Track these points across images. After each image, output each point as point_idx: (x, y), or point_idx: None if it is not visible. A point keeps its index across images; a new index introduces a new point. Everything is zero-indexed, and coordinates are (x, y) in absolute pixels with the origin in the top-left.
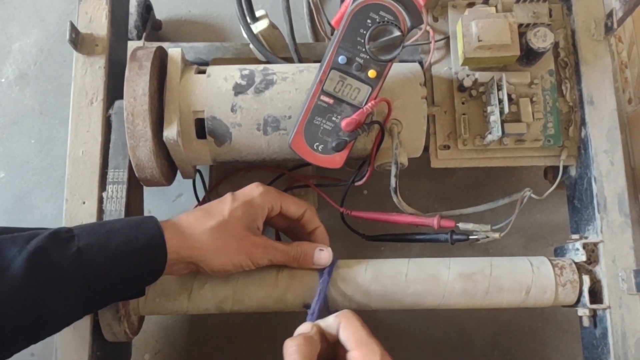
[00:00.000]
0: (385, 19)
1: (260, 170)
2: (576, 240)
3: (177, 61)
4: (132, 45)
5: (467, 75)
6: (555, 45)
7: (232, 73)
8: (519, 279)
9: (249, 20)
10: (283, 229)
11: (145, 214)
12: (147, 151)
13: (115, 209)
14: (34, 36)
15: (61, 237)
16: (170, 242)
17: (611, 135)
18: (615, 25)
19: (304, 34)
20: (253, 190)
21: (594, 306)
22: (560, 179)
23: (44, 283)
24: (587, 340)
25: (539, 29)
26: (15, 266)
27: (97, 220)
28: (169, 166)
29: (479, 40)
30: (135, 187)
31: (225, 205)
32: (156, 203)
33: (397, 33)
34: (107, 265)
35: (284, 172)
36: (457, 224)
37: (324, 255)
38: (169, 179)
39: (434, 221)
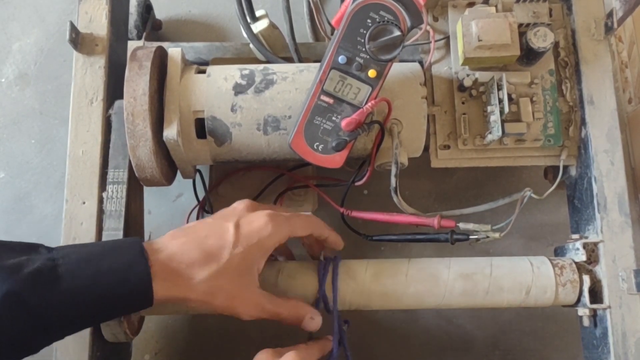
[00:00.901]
0: (386, 18)
1: (260, 170)
2: (576, 240)
3: (177, 61)
4: (132, 45)
5: (467, 75)
6: (556, 45)
7: (232, 73)
8: (519, 279)
9: (249, 20)
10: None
11: (146, 214)
12: (147, 151)
13: (115, 209)
14: (34, 36)
15: (43, 279)
16: (158, 291)
17: (611, 135)
18: (615, 25)
19: (304, 33)
20: (261, 231)
21: (594, 306)
22: (560, 178)
23: (22, 323)
24: (587, 340)
25: (539, 28)
26: None
27: (96, 220)
28: (169, 166)
29: (479, 40)
30: (135, 187)
31: (226, 246)
32: (156, 203)
33: (397, 33)
34: (92, 309)
35: (284, 172)
36: (458, 224)
37: (314, 323)
38: (169, 179)
39: (434, 221)
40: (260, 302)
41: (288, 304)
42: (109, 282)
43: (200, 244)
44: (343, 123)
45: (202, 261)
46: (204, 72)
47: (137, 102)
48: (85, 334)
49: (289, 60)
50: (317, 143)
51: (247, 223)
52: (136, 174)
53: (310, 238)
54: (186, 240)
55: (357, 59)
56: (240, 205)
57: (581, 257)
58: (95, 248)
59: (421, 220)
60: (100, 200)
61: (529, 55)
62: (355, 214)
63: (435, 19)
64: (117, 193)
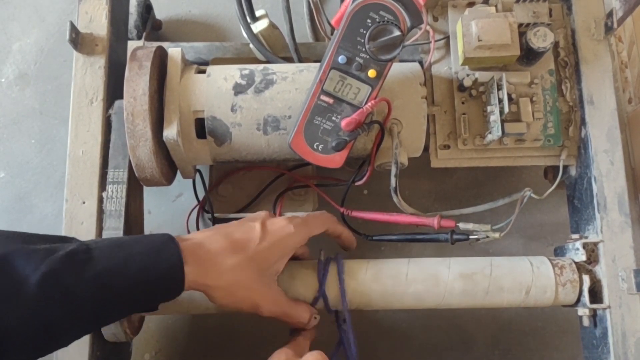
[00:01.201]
0: (385, 18)
1: (261, 170)
2: (576, 240)
3: (177, 61)
4: (132, 45)
5: (467, 75)
6: (555, 45)
7: (232, 73)
8: (519, 279)
9: (249, 20)
10: None
11: (146, 214)
12: (147, 151)
13: (115, 209)
14: (34, 36)
15: (78, 258)
16: (189, 275)
17: (611, 135)
18: (615, 25)
19: (304, 33)
20: (284, 229)
21: (594, 306)
22: (560, 178)
23: (57, 306)
24: (587, 340)
25: (539, 28)
26: (29, 286)
27: (97, 220)
28: (169, 166)
29: (479, 40)
30: (135, 187)
31: (252, 240)
32: (156, 203)
33: (397, 33)
34: (124, 292)
35: (284, 172)
36: (457, 224)
37: (316, 322)
38: (169, 179)
39: (434, 221)
40: (280, 300)
41: (301, 306)
42: (141, 264)
43: (228, 236)
44: (343, 123)
45: (230, 250)
46: (204, 72)
47: (137, 102)
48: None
49: (289, 60)
50: (317, 143)
51: (271, 223)
52: (136, 174)
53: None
54: (214, 232)
55: (357, 59)
56: (262, 212)
57: (581, 257)
58: (125, 238)
59: (421, 220)
60: (100, 200)
61: (528, 55)
62: (355, 213)
63: (435, 19)
64: (117, 193)
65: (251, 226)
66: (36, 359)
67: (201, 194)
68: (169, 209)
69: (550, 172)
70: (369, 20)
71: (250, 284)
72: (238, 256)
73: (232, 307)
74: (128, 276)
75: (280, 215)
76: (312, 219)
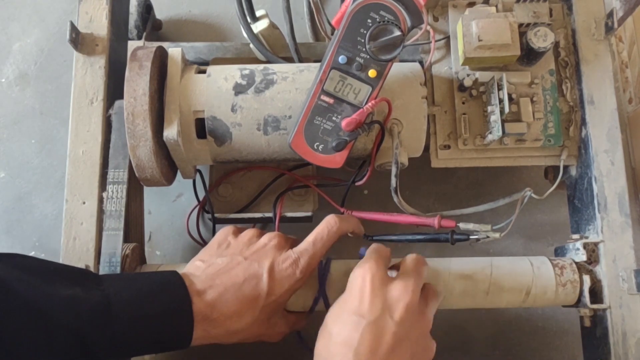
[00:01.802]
0: (386, 18)
1: (261, 171)
2: (576, 240)
3: (177, 61)
4: (132, 45)
5: (468, 75)
6: (556, 45)
7: (233, 73)
8: (519, 279)
9: (249, 20)
10: None
11: (146, 214)
12: (147, 151)
13: (116, 209)
14: (34, 36)
15: (99, 317)
16: (197, 336)
17: (611, 135)
18: (615, 25)
19: (304, 33)
20: (291, 278)
21: (595, 306)
22: (560, 178)
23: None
24: (588, 341)
25: (539, 28)
26: (55, 342)
27: (97, 220)
28: (169, 166)
29: (480, 40)
30: (135, 187)
31: (261, 296)
32: (156, 203)
33: (397, 33)
34: (138, 349)
35: (284, 173)
36: (458, 224)
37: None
38: (169, 179)
39: (434, 221)
40: (283, 332)
41: (296, 321)
42: (156, 327)
43: (237, 294)
44: (343, 123)
45: (239, 313)
46: (204, 72)
47: (137, 102)
48: None
49: (289, 60)
50: (318, 143)
51: (279, 271)
52: (136, 174)
53: None
54: (224, 290)
55: (358, 58)
56: (271, 242)
57: (581, 257)
58: (143, 285)
59: (421, 220)
60: (101, 200)
61: (529, 55)
62: (355, 214)
63: (436, 19)
64: (117, 193)
65: (259, 276)
66: None
67: (201, 194)
68: (169, 209)
69: (550, 172)
70: (369, 20)
71: (258, 332)
72: (246, 318)
73: (233, 341)
74: (144, 337)
75: (281, 216)
76: (318, 245)
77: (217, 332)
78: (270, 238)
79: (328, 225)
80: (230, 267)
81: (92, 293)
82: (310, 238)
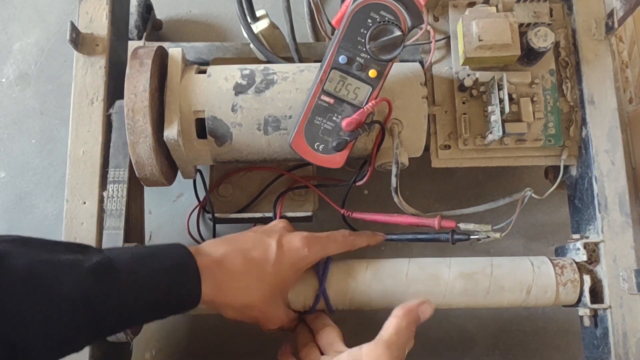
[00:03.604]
0: (386, 18)
1: (261, 171)
2: (577, 240)
3: (177, 61)
4: (132, 45)
5: (468, 75)
6: (556, 44)
7: (233, 73)
8: (519, 279)
9: (249, 20)
10: None
11: (146, 214)
12: (147, 148)
13: (116, 208)
14: (35, 36)
15: (103, 271)
16: (206, 295)
17: (612, 135)
18: (616, 25)
19: (304, 33)
20: (298, 252)
21: (595, 306)
22: (561, 178)
23: (84, 325)
24: (588, 340)
25: (539, 28)
26: (58, 305)
27: (97, 220)
28: (169, 165)
29: (480, 40)
30: (135, 186)
31: (268, 261)
32: (157, 203)
33: (397, 33)
34: (144, 308)
35: (284, 173)
36: (458, 225)
37: None
38: (169, 179)
39: (434, 222)
40: (283, 320)
41: (294, 318)
42: (163, 281)
43: (245, 254)
44: (344, 123)
45: (246, 271)
46: (204, 72)
47: (138, 99)
48: None
49: (289, 60)
50: (318, 143)
51: (287, 242)
52: (136, 172)
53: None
54: (232, 250)
55: (358, 58)
56: (279, 223)
57: (582, 257)
58: (143, 250)
59: (421, 221)
60: (101, 200)
61: (529, 55)
62: (356, 215)
63: (436, 19)
64: (117, 192)
65: (268, 244)
66: None
67: (202, 194)
68: (169, 209)
69: (550, 172)
70: (369, 20)
71: (261, 305)
72: (253, 277)
73: (239, 319)
74: (151, 291)
75: (281, 216)
76: (329, 242)
77: (225, 291)
78: (279, 221)
79: (344, 233)
80: (238, 236)
81: (93, 256)
82: (324, 233)
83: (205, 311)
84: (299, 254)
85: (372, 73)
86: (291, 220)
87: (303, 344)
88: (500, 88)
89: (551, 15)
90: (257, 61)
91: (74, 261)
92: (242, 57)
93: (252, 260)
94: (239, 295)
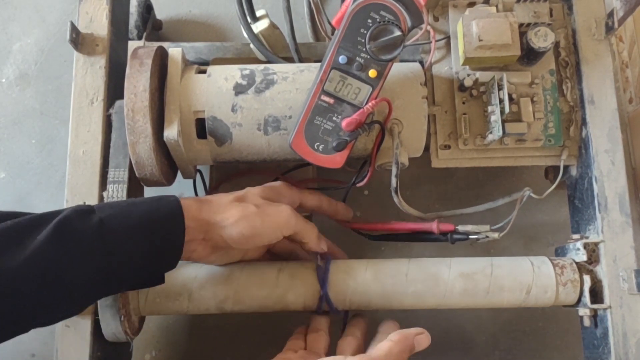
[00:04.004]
0: (386, 18)
1: (260, 174)
2: (577, 240)
3: (177, 61)
4: (132, 45)
5: (468, 75)
6: (556, 44)
7: (233, 73)
8: (519, 279)
9: (249, 20)
10: None
11: None
12: (147, 148)
13: None
14: (35, 36)
15: (83, 209)
16: (190, 207)
17: (612, 135)
18: (616, 25)
19: (304, 33)
20: (273, 182)
21: (595, 306)
22: (560, 178)
23: (67, 249)
24: (588, 340)
25: (539, 28)
26: (42, 234)
27: None
28: (169, 165)
29: (480, 40)
30: (136, 187)
31: (248, 190)
32: None
33: (397, 33)
34: (128, 235)
35: (278, 178)
36: (457, 227)
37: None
38: (169, 179)
39: (433, 226)
40: (291, 215)
41: (308, 224)
42: (143, 209)
43: (227, 194)
44: (343, 123)
45: (228, 196)
46: (204, 72)
47: (138, 98)
48: (85, 334)
49: (289, 60)
50: (318, 143)
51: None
52: (136, 172)
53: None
54: (214, 195)
55: (358, 59)
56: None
57: (582, 257)
58: (127, 199)
59: (420, 226)
60: (101, 200)
61: (529, 55)
62: (354, 226)
63: (436, 19)
64: (117, 192)
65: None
66: (46, 322)
67: (201, 194)
68: None
69: (550, 172)
70: (369, 20)
71: (259, 210)
72: (235, 193)
73: (247, 232)
74: (131, 219)
75: None
76: (306, 191)
77: (211, 205)
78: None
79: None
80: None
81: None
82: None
83: (204, 311)
84: (276, 184)
85: (372, 73)
86: None
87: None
88: (500, 88)
89: (551, 15)
90: (257, 61)
91: (56, 211)
92: (242, 57)
93: (232, 194)
94: (228, 208)
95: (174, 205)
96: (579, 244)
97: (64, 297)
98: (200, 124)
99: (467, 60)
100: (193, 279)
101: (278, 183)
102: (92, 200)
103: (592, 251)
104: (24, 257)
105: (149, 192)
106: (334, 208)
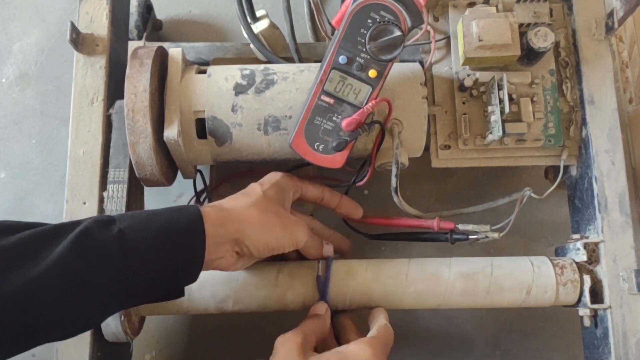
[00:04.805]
0: (386, 18)
1: (260, 175)
2: (577, 240)
3: (177, 61)
4: (132, 45)
5: (468, 75)
6: (556, 45)
7: (233, 73)
8: (519, 279)
9: (249, 20)
10: None
11: None
12: (147, 148)
13: (116, 208)
14: (35, 36)
15: (103, 220)
16: (212, 215)
17: (612, 135)
18: (616, 25)
19: (304, 33)
20: (274, 176)
21: (595, 306)
22: (560, 178)
23: (87, 260)
24: (588, 341)
25: (539, 28)
26: (62, 246)
27: None
28: (169, 165)
29: (480, 40)
30: (135, 187)
31: (256, 188)
32: (157, 203)
33: (397, 33)
34: (148, 246)
35: None
36: (457, 226)
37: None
38: (169, 179)
39: (433, 223)
40: (306, 219)
41: (315, 240)
42: (163, 220)
43: (238, 193)
44: (343, 123)
45: (242, 195)
46: (204, 72)
47: (138, 99)
48: (85, 335)
49: (289, 60)
50: (318, 143)
51: (262, 179)
52: (136, 172)
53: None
54: (227, 197)
55: (358, 59)
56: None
57: (582, 257)
58: (147, 210)
59: (420, 223)
60: (101, 200)
61: (529, 55)
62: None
63: (436, 19)
64: (117, 192)
65: (248, 187)
66: (73, 335)
67: (201, 194)
68: None
69: (550, 172)
70: (369, 21)
71: (278, 211)
72: (254, 196)
73: (273, 244)
74: (151, 230)
75: None
76: (307, 182)
77: (229, 209)
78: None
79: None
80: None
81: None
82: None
83: (204, 311)
84: (274, 177)
85: (372, 73)
86: None
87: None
88: (500, 88)
89: (551, 15)
90: (257, 61)
91: (74, 222)
92: (242, 57)
93: (244, 192)
94: (246, 210)
95: (195, 216)
96: (579, 244)
97: (83, 309)
98: (201, 124)
99: (467, 61)
100: None
101: (279, 176)
102: (92, 201)
103: (592, 251)
104: (44, 268)
105: (149, 192)
106: (337, 200)
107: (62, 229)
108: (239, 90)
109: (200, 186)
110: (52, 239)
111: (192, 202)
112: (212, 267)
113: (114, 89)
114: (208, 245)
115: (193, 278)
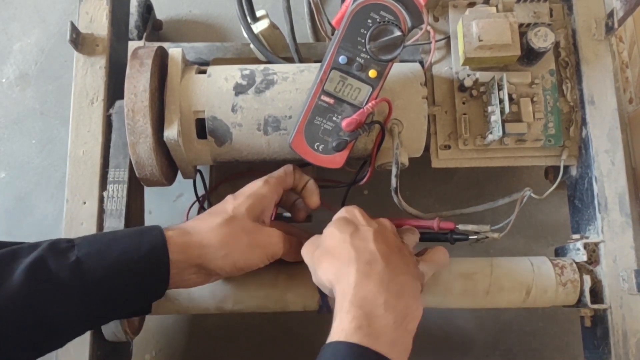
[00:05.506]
0: (386, 18)
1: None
2: (577, 240)
3: (177, 61)
4: (132, 45)
5: (468, 75)
6: (556, 45)
7: (233, 73)
8: (519, 279)
9: (249, 20)
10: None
11: (146, 214)
12: (147, 148)
13: (116, 208)
14: (35, 36)
15: (60, 247)
16: (175, 241)
17: (612, 135)
18: (616, 25)
19: (304, 33)
20: (253, 186)
21: (595, 306)
22: (560, 178)
23: (42, 292)
24: (588, 340)
25: (539, 28)
26: (15, 277)
27: (97, 220)
28: (169, 165)
29: (480, 40)
30: (135, 187)
31: (227, 204)
32: (157, 203)
33: (397, 33)
34: (107, 275)
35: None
36: (457, 226)
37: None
38: (169, 179)
39: (433, 223)
40: (284, 229)
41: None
42: (123, 246)
43: (206, 211)
44: (343, 123)
45: (210, 216)
46: (204, 72)
47: (138, 99)
48: (85, 334)
49: (289, 60)
50: (318, 143)
51: (241, 189)
52: (136, 172)
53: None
54: (195, 217)
55: (358, 59)
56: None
57: (582, 257)
58: (110, 232)
59: (420, 223)
60: (101, 200)
61: (529, 55)
62: None
63: (436, 19)
64: (117, 192)
65: (224, 200)
66: (37, 357)
67: (201, 194)
68: (169, 209)
69: (550, 172)
70: (369, 21)
71: (247, 228)
72: (221, 216)
73: (241, 263)
74: (110, 257)
75: (278, 216)
76: (281, 175)
77: (194, 233)
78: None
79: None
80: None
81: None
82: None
83: (204, 311)
84: (252, 187)
85: (372, 73)
86: (291, 220)
87: None
88: (500, 88)
89: (551, 15)
90: (257, 61)
91: (33, 244)
92: (242, 57)
93: (212, 211)
94: (211, 232)
95: (158, 242)
96: (579, 244)
97: (47, 336)
98: (200, 124)
99: (467, 61)
100: None
101: (257, 186)
102: (92, 200)
103: (592, 251)
104: (3, 303)
105: (149, 192)
106: (304, 182)
107: (17, 253)
108: (239, 90)
109: (200, 186)
110: (7, 264)
111: (193, 202)
112: (181, 287)
113: (114, 89)
114: (171, 270)
115: (159, 297)
